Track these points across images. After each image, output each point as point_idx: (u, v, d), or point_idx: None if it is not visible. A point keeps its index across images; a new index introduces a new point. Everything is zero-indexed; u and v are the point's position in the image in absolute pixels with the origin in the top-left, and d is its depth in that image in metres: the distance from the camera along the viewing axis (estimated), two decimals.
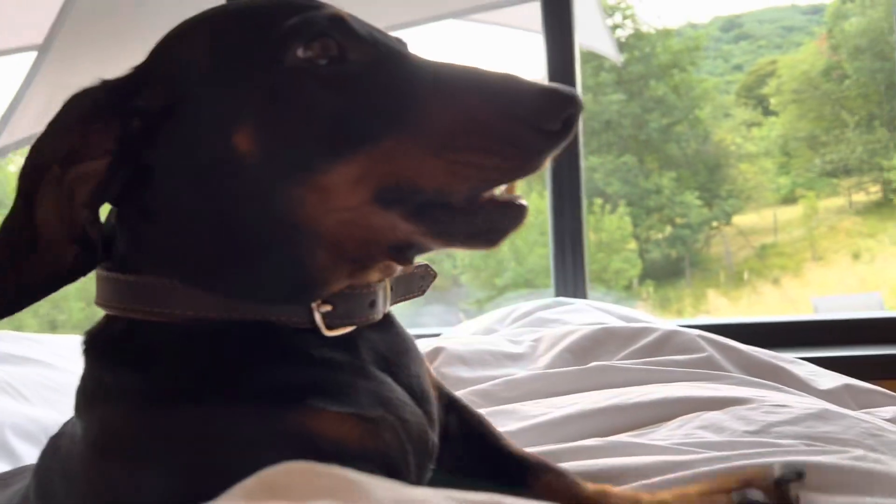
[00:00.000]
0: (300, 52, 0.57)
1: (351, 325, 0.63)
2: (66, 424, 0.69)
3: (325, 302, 0.61)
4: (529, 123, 0.53)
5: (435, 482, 0.65)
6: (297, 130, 0.56)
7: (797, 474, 0.66)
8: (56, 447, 0.66)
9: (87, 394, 0.62)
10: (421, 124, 0.55)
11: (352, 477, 0.37)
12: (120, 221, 0.63)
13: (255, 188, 0.57)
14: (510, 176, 0.55)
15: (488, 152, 0.54)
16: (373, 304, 0.64)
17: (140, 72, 0.61)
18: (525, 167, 0.54)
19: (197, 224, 0.59)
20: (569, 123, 0.54)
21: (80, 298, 4.11)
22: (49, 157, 0.58)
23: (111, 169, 0.58)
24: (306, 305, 0.60)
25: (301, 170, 0.56)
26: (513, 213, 0.57)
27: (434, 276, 0.72)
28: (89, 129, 0.58)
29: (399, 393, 0.63)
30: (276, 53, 0.57)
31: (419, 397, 0.67)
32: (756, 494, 0.65)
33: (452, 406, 0.77)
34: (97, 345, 0.63)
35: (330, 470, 0.37)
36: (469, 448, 0.76)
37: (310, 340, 0.61)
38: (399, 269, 0.66)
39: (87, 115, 0.58)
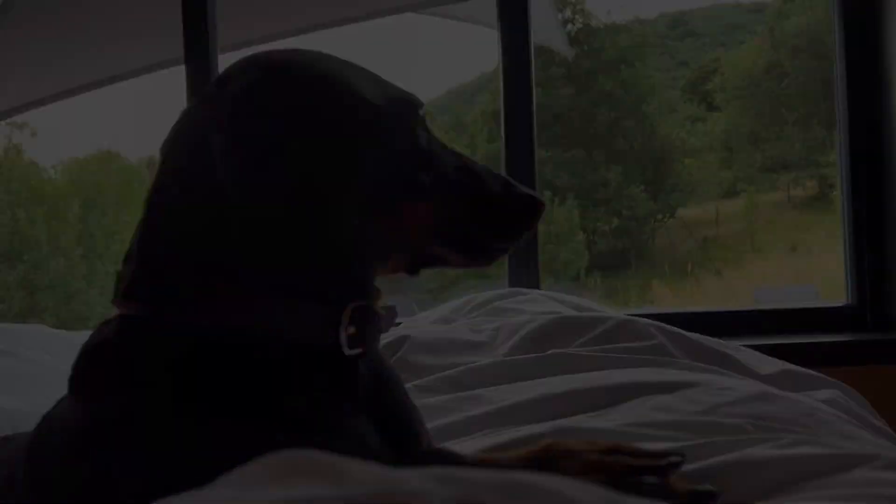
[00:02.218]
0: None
1: (363, 345, 0.70)
2: (56, 407, 0.72)
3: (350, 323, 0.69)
4: None
5: None
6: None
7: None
8: (49, 429, 0.69)
9: (98, 378, 0.68)
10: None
11: (332, 460, 0.42)
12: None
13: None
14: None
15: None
16: (380, 331, 0.73)
17: None
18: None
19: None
20: None
21: None
22: None
23: None
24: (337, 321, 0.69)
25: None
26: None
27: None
28: None
29: (369, 433, 0.69)
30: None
31: (403, 419, 0.74)
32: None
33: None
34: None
35: (312, 455, 0.42)
36: None
37: (315, 365, 0.68)
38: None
39: None
